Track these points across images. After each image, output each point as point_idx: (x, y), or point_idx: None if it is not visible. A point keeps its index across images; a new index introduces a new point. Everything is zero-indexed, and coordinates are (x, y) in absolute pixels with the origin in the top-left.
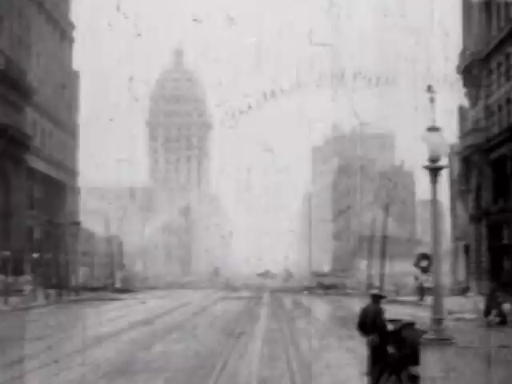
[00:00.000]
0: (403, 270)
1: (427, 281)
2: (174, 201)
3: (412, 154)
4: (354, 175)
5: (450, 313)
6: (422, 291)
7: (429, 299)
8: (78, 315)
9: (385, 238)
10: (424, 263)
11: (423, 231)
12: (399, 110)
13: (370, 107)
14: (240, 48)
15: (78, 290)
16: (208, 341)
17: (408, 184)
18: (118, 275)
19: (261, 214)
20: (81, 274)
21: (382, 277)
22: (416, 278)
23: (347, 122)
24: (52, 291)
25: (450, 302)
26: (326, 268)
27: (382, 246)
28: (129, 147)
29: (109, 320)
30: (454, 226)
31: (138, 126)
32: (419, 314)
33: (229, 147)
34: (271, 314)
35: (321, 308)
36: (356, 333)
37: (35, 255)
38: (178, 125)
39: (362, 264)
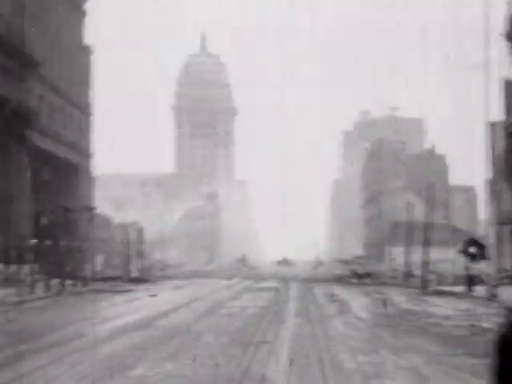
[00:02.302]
0: (438, 257)
1: (478, 269)
2: (200, 187)
3: (443, 139)
4: (385, 159)
5: None
6: (470, 281)
7: (479, 289)
8: (63, 313)
9: (427, 223)
10: (472, 250)
11: (456, 217)
12: (429, 94)
13: (399, 91)
14: (266, 31)
15: (88, 280)
16: (212, 358)
17: (440, 168)
18: (137, 264)
19: (289, 201)
20: (98, 263)
21: (425, 265)
22: (466, 267)
23: (376, 106)
24: (56, 281)
25: None
26: (358, 255)
27: (425, 232)
28: (153, 132)
29: (97, 322)
30: (497, 209)
31: (163, 111)
32: (487, 311)
33: (256, 133)
34: (300, 311)
35: (359, 302)
36: (415, 342)
37: (42, 243)
38: (204, 110)
39: (395, 251)
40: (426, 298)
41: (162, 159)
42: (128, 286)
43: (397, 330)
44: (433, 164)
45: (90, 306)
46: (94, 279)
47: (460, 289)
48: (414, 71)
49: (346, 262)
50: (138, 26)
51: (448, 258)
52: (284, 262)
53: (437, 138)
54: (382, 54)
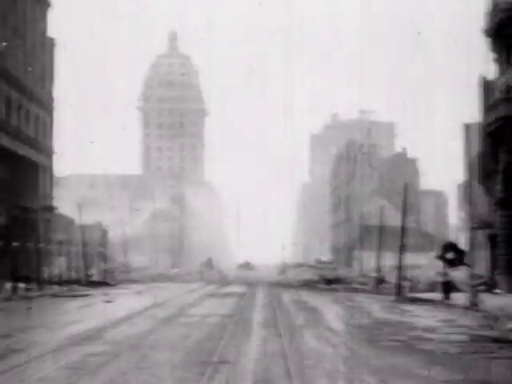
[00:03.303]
0: (409, 262)
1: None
2: (167, 190)
3: (413, 142)
4: (354, 163)
5: None
6: (447, 287)
7: (455, 297)
8: (2, 322)
9: (403, 228)
10: (450, 255)
11: (426, 222)
12: (401, 97)
13: (370, 95)
14: (234, 30)
15: (45, 283)
16: None
17: (412, 172)
18: (99, 267)
19: (257, 204)
20: (57, 265)
21: (400, 271)
22: (444, 273)
23: (346, 109)
24: (9, 285)
25: (497, 301)
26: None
27: (402, 237)
28: (120, 133)
29: (37, 333)
30: (471, 213)
31: (130, 111)
32: (472, 322)
33: (224, 135)
34: (268, 320)
35: (331, 311)
36: (402, 363)
37: None
38: (172, 111)
39: (365, 255)
40: (402, 307)
41: (128, 161)
42: (86, 290)
43: (377, 347)
44: (404, 168)
45: (37, 313)
46: (51, 282)
47: (435, 296)
48: (385, 73)
49: (310, 267)
50: (106, 20)
51: (419, 264)
52: (246, 266)
53: (407, 143)
54: (354, 56)
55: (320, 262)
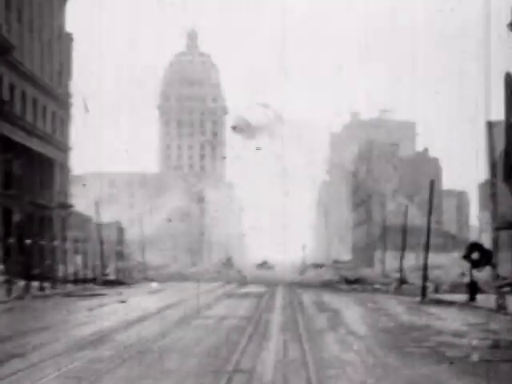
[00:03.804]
0: (431, 263)
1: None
2: (187, 188)
3: (435, 142)
4: (376, 162)
5: None
6: (473, 289)
7: (480, 298)
8: (10, 322)
9: (429, 228)
10: (476, 255)
11: (447, 222)
12: (421, 97)
13: (390, 94)
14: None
15: (59, 281)
16: None
17: (433, 171)
18: (118, 265)
19: (277, 203)
20: (73, 264)
21: (425, 272)
22: (470, 274)
23: (366, 108)
24: (22, 283)
25: None
26: (341, 259)
27: (427, 237)
28: (141, 131)
29: (44, 335)
30: (495, 213)
31: (149, 109)
32: (503, 325)
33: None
34: (287, 324)
35: (353, 313)
36: (435, 374)
37: (12, 240)
38: (191, 109)
39: (386, 256)
40: (427, 309)
41: (147, 159)
42: (100, 290)
43: (405, 354)
44: (425, 167)
45: (47, 313)
46: (66, 281)
47: (460, 297)
48: (406, 73)
49: (330, 267)
50: (126, 18)
51: (441, 264)
52: (264, 265)
53: (429, 142)
54: (375, 56)
55: (337, 261)
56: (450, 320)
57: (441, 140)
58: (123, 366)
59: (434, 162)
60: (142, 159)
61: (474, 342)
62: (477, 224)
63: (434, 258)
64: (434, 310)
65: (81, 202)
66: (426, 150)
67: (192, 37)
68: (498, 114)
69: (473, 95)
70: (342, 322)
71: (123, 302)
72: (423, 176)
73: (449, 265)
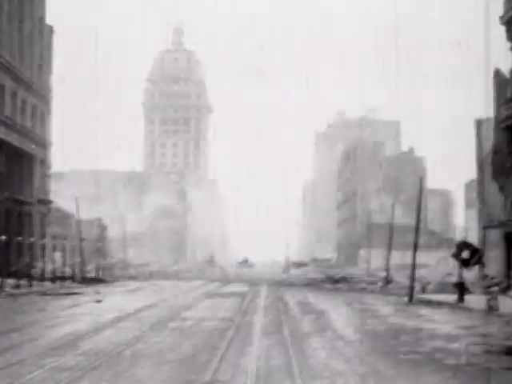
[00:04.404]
0: (417, 261)
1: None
2: (170, 186)
3: (420, 141)
4: (360, 160)
5: None
6: (462, 289)
7: (469, 299)
8: None
9: (417, 226)
10: (465, 254)
11: (431, 221)
12: (405, 96)
13: (375, 93)
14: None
15: (36, 279)
16: None
17: (418, 170)
18: (98, 263)
19: (261, 202)
20: (52, 261)
21: (413, 271)
22: (459, 274)
23: (351, 107)
24: None
25: None
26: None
27: (416, 235)
28: (124, 129)
29: (3, 340)
30: (482, 212)
31: (133, 106)
32: (497, 328)
33: (228, 132)
34: (270, 326)
35: (340, 314)
36: (427, 382)
37: None
38: (175, 106)
39: (370, 254)
40: (416, 310)
41: (132, 157)
42: (78, 288)
43: (398, 361)
44: (410, 166)
45: (18, 313)
46: (43, 279)
47: (448, 298)
48: (390, 71)
49: (301, 265)
50: (111, 13)
51: (426, 263)
52: (244, 263)
53: (414, 141)
54: (359, 55)
55: (316, 260)
56: (442, 322)
57: (426, 139)
58: (89, 375)
59: (419, 161)
60: (127, 157)
61: (471, 348)
62: (461, 223)
63: (418, 257)
64: (422, 311)
65: (63, 199)
66: (411, 149)
67: (177, 33)
68: (486, 112)
69: (459, 94)
70: (329, 324)
71: (99, 301)
72: (408, 175)
73: (434, 264)
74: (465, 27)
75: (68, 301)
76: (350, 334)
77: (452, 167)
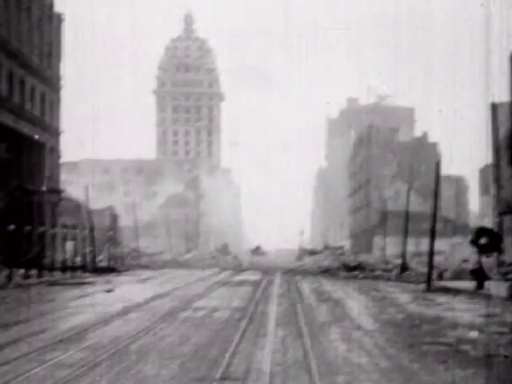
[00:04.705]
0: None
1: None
2: (182, 174)
3: (433, 128)
4: (374, 147)
5: None
6: (481, 276)
7: (488, 286)
8: None
9: (435, 212)
10: (484, 240)
11: (445, 207)
12: (419, 83)
13: (388, 80)
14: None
15: (46, 269)
16: None
17: (432, 157)
18: (110, 252)
19: (274, 189)
20: (63, 250)
21: (431, 258)
22: (478, 260)
23: (363, 94)
24: (6, 271)
25: None
26: (346, 246)
27: (433, 222)
28: (135, 116)
29: (6, 333)
30: (498, 198)
31: (144, 95)
32: None
33: (241, 119)
34: (286, 316)
35: (357, 303)
36: (455, 377)
37: None
38: (187, 94)
39: (385, 241)
40: (435, 298)
41: (143, 145)
42: (89, 277)
43: (422, 353)
44: (424, 152)
45: (25, 304)
46: (53, 269)
47: (466, 285)
48: (404, 58)
49: (314, 253)
50: (121, 1)
51: (441, 250)
52: (257, 251)
53: (427, 129)
54: (373, 42)
55: (328, 247)
56: (462, 310)
57: (439, 126)
58: (92, 372)
59: (433, 147)
60: (138, 145)
61: (496, 338)
62: (475, 210)
63: (436, 244)
64: (441, 298)
65: (76, 189)
66: (425, 134)
67: (188, 21)
68: (500, 97)
69: (472, 81)
70: (346, 313)
71: (109, 291)
72: (422, 161)
73: (449, 251)
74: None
75: (78, 291)
76: (368, 324)
77: (466, 153)
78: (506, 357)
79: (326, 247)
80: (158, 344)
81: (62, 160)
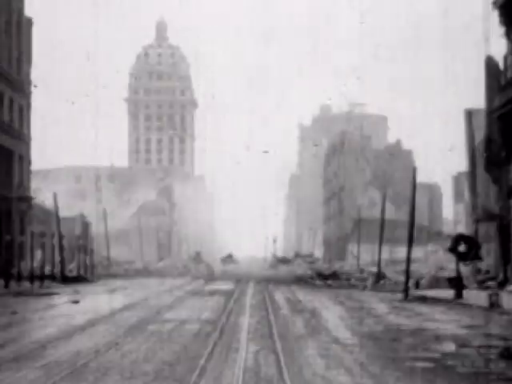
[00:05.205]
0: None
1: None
2: (155, 182)
3: (405, 136)
4: (347, 154)
5: None
6: (459, 285)
7: (468, 295)
8: None
9: (413, 219)
10: (462, 248)
11: (418, 215)
12: (391, 91)
13: (361, 87)
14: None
15: (13, 279)
16: None
17: (406, 164)
18: (80, 261)
19: (247, 197)
20: (32, 259)
21: (408, 266)
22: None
23: (336, 101)
24: None
25: None
26: (317, 254)
27: (410, 229)
28: (109, 125)
29: None
30: (474, 205)
31: (117, 102)
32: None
33: (213, 127)
34: (259, 328)
35: (333, 314)
36: None
37: None
38: (160, 102)
39: (359, 249)
40: (413, 307)
41: (116, 153)
42: (57, 287)
43: (407, 370)
44: (398, 160)
45: None
46: (21, 278)
47: (444, 293)
48: (377, 65)
49: (282, 261)
50: (89, 5)
51: (416, 258)
52: (228, 259)
53: (400, 137)
54: (345, 47)
55: (299, 255)
56: (444, 321)
57: (411, 134)
58: None
59: (407, 155)
60: (111, 153)
61: (483, 352)
62: (449, 217)
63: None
64: (420, 308)
65: (46, 196)
66: (398, 141)
67: (161, 28)
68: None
69: (445, 88)
70: (323, 325)
71: (76, 302)
72: (395, 169)
73: (424, 258)
74: (460, 15)
75: (43, 302)
76: (346, 337)
77: (438, 161)
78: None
79: (297, 255)
80: (119, 361)
81: (35, 168)
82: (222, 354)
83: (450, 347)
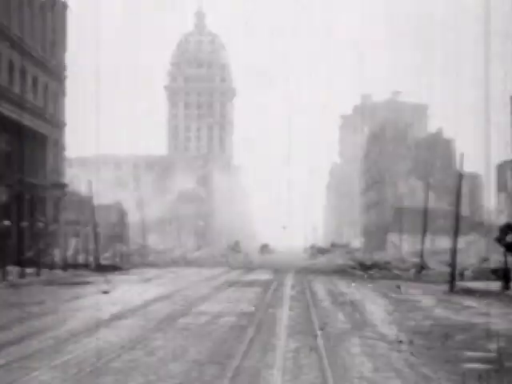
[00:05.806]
0: (447, 246)
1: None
2: (193, 171)
3: (447, 125)
4: (388, 142)
5: None
6: (507, 276)
7: None
8: None
9: (457, 209)
10: (510, 238)
11: (461, 204)
12: (433, 79)
13: (402, 75)
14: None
15: (46, 267)
16: None
17: (447, 153)
18: (116, 249)
19: (285, 186)
20: (67, 248)
21: (454, 257)
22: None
23: (377, 90)
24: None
25: None
26: (356, 243)
27: (456, 220)
28: (146, 112)
29: None
30: None
31: (156, 90)
32: None
33: (253, 115)
34: (297, 323)
35: (378, 307)
36: None
37: None
38: (199, 90)
39: (399, 239)
40: (460, 300)
41: (155, 141)
42: (90, 276)
43: (464, 372)
44: (439, 148)
45: (7, 307)
46: (55, 266)
47: (490, 285)
48: (419, 55)
49: (320, 251)
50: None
51: (458, 248)
52: (265, 249)
53: (441, 125)
54: (388, 39)
55: (335, 245)
56: (494, 316)
57: (452, 123)
58: None
59: (448, 143)
60: (150, 141)
61: None
62: (490, 207)
63: (449, 243)
64: (467, 301)
65: (83, 184)
66: (439, 130)
67: (200, 16)
68: None
69: (485, 77)
70: (367, 320)
71: (106, 292)
72: (437, 157)
73: (465, 248)
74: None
75: (73, 292)
76: (393, 333)
77: (480, 150)
78: None
79: (333, 245)
80: (145, 360)
81: (73, 155)
82: (258, 351)
83: (506, 345)
